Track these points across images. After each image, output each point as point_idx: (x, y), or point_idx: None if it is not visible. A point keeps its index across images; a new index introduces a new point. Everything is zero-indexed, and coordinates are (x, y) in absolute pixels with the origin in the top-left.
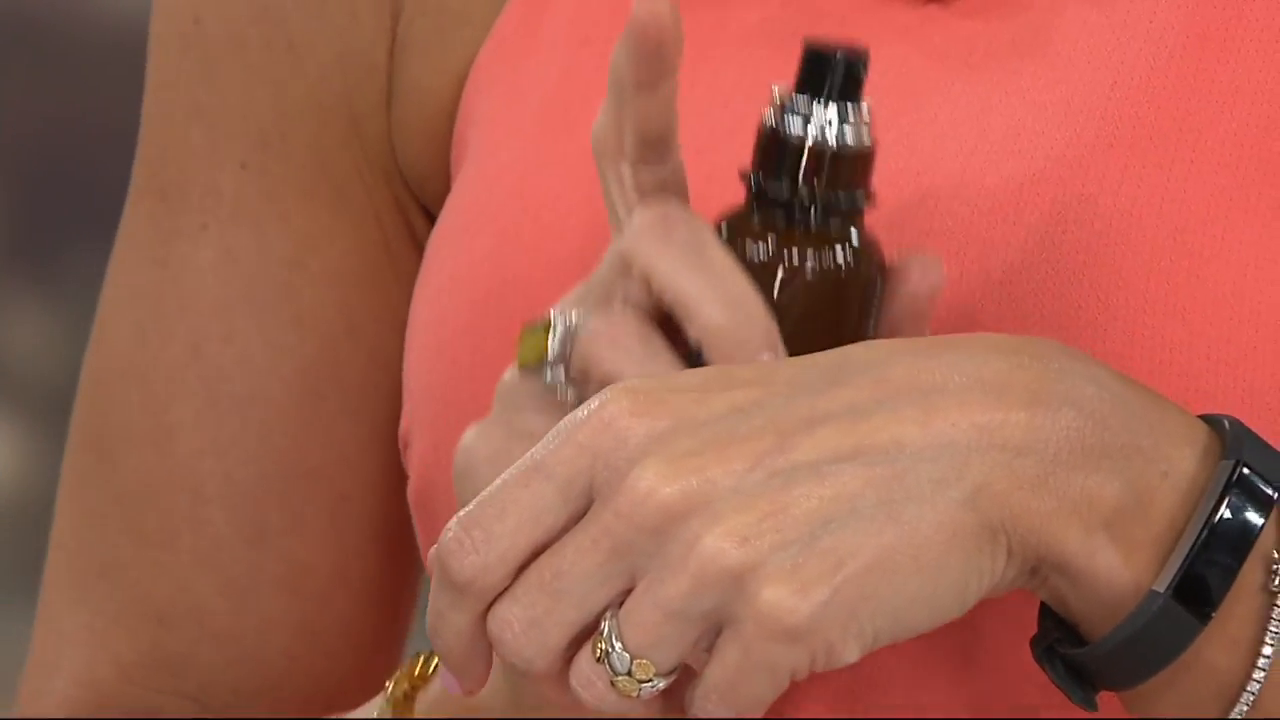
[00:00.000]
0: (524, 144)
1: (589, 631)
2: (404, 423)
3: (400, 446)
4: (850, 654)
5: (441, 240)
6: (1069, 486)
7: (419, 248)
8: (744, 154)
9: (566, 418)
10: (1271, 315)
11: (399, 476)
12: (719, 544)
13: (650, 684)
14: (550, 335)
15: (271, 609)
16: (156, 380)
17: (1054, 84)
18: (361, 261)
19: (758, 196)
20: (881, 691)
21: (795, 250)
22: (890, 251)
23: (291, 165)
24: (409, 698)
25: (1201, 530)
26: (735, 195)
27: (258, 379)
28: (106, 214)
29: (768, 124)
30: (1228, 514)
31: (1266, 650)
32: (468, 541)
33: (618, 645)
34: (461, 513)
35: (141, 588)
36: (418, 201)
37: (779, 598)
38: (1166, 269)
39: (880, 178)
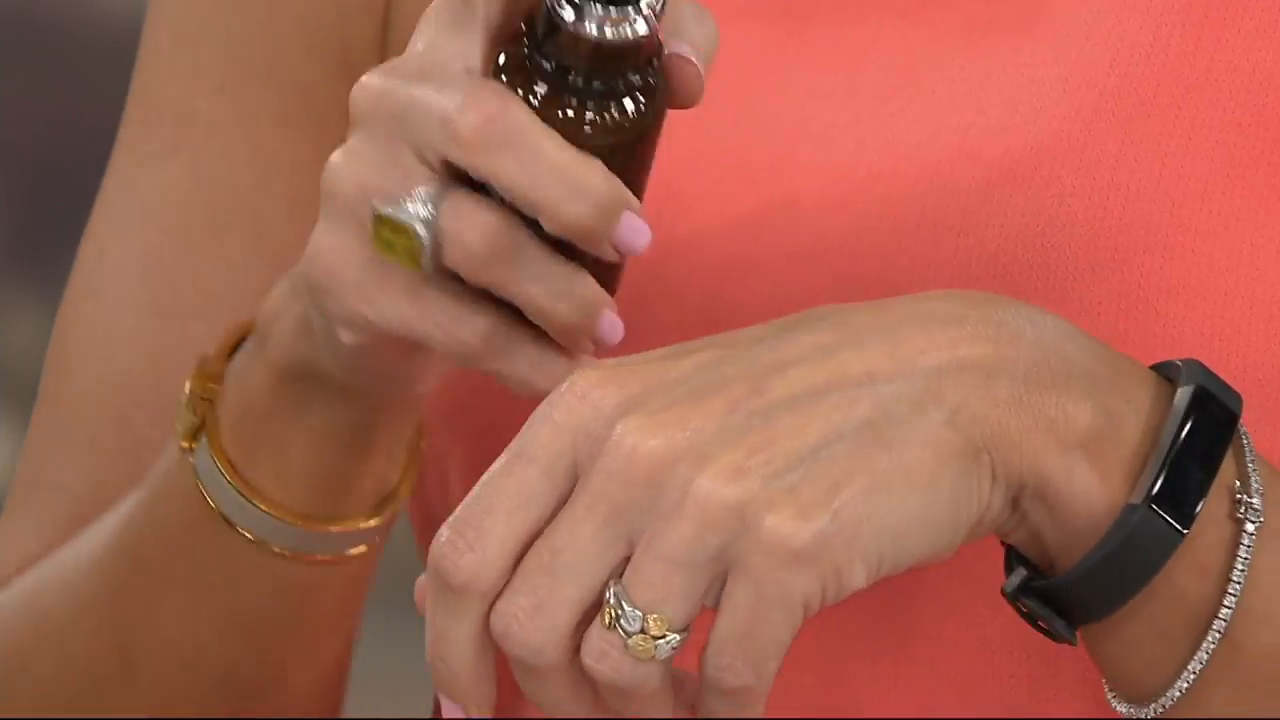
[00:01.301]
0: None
1: (595, 611)
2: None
3: None
4: (858, 578)
5: None
6: (1043, 406)
7: None
8: (729, 126)
9: (539, 406)
10: (1266, 291)
11: None
12: (713, 483)
13: (665, 641)
14: (418, 241)
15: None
16: (108, 294)
17: (1053, 60)
18: None
19: (530, 56)
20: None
21: (566, 113)
22: (894, 222)
23: (271, 92)
24: (207, 399)
25: (1173, 442)
26: (720, 170)
27: (207, 295)
28: None
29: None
30: (1196, 427)
31: (1236, 576)
32: (460, 542)
33: (627, 607)
34: (451, 517)
35: (63, 488)
36: None
37: (781, 522)
38: (1163, 244)
39: (877, 152)
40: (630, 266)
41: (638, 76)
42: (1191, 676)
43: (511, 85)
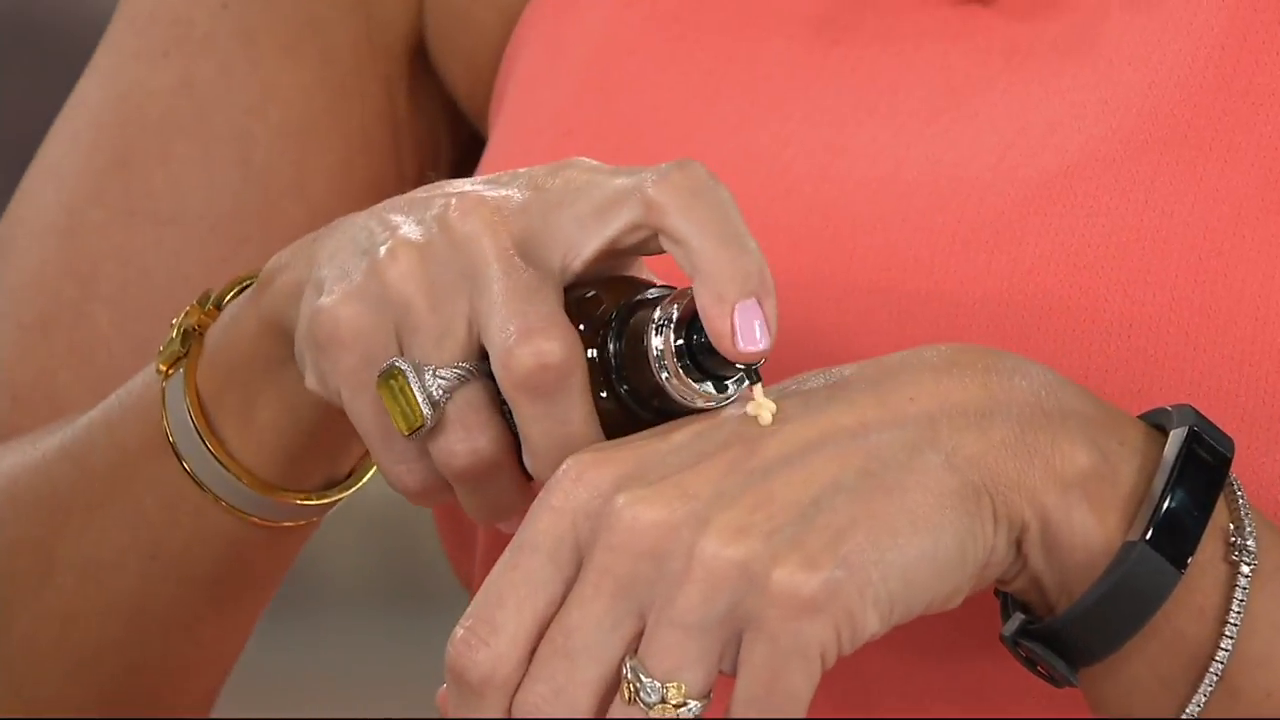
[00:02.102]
0: (562, 102)
1: (615, 689)
2: None
3: None
4: (872, 623)
5: None
6: (1039, 446)
7: (396, 127)
8: (776, 133)
9: (538, 495)
10: None
11: None
12: (716, 544)
13: (686, 708)
14: (417, 418)
15: (79, 391)
16: (74, 181)
17: (1094, 83)
18: (330, 126)
19: (604, 350)
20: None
21: (612, 407)
22: (930, 237)
23: (277, 16)
24: (199, 332)
25: (1168, 481)
26: (760, 181)
27: (184, 204)
28: None
29: (646, 339)
30: (1194, 465)
31: (1233, 618)
32: (474, 639)
33: (645, 679)
34: (464, 616)
35: (5, 367)
36: (410, 86)
37: (789, 574)
38: (1196, 267)
39: (916, 169)
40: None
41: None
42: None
43: (584, 341)
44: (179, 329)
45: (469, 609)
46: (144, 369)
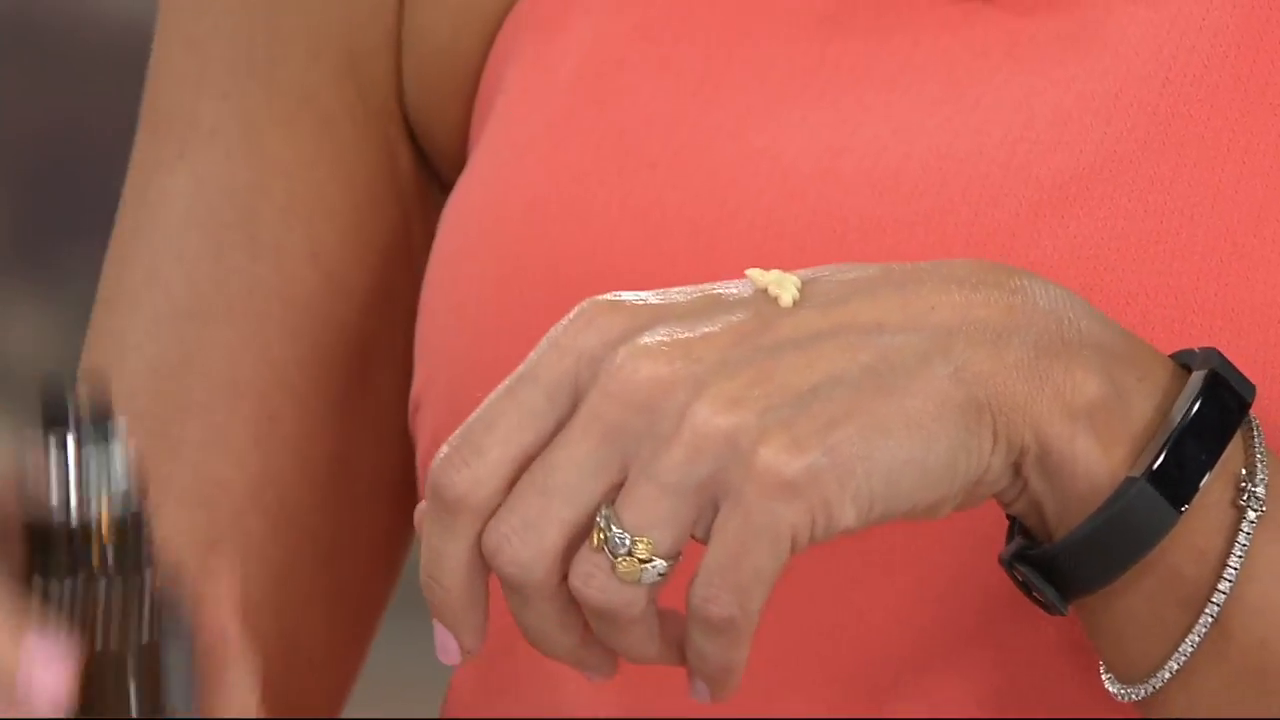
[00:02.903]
0: (553, 113)
1: (584, 534)
2: (416, 386)
3: (410, 410)
4: (848, 515)
5: (462, 206)
6: (1051, 373)
7: (400, 186)
8: (775, 136)
9: (549, 330)
10: None
11: (337, 402)
12: (709, 410)
13: (652, 565)
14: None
15: (178, 518)
16: (120, 307)
17: (1102, 74)
18: (337, 193)
19: None
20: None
21: None
22: (940, 238)
23: (274, 93)
24: None
25: (1181, 420)
26: (762, 181)
27: (200, 296)
28: (106, 214)
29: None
30: (1207, 409)
31: (1233, 563)
32: (457, 458)
33: (615, 529)
34: (453, 434)
35: None
36: (410, 143)
37: (774, 453)
38: (1216, 270)
39: (922, 165)
40: (679, 278)
41: None
42: (1181, 659)
43: None
44: None
45: (459, 429)
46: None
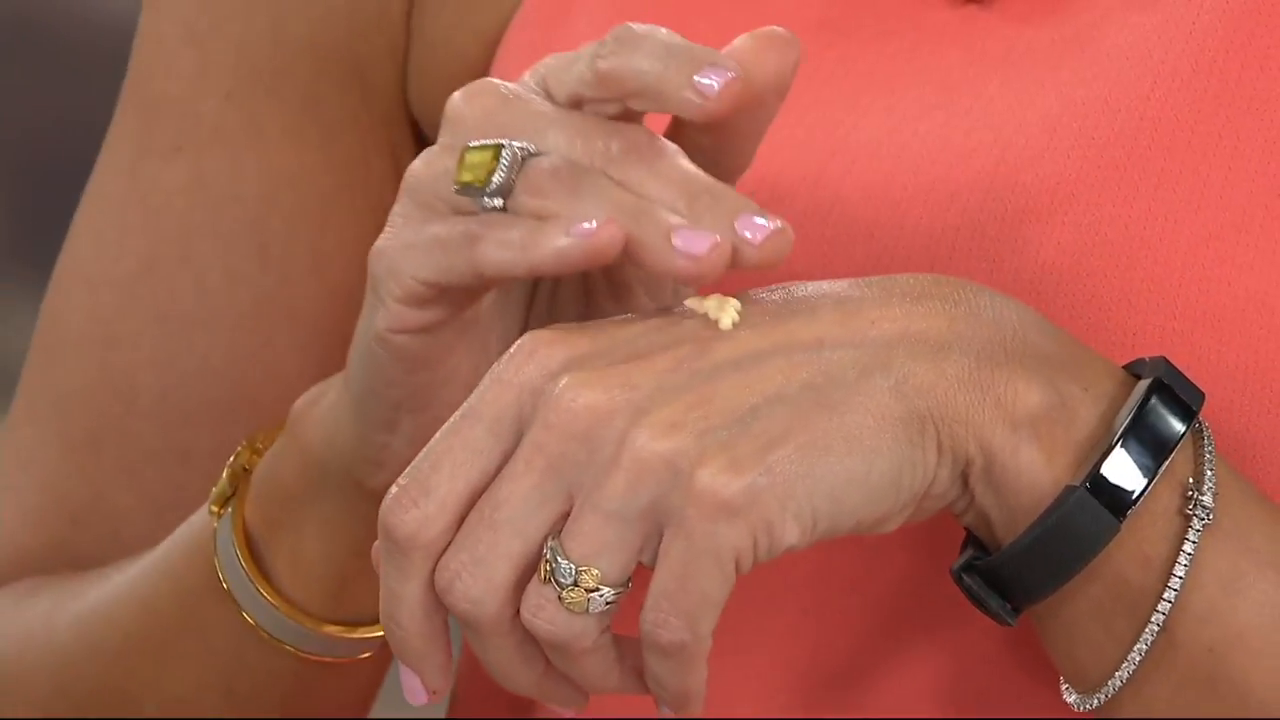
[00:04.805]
0: None
1: (534, 567)
2: None
3: None
4: (790, 534)
5: None
6: (993, 383)
7: None
8: (770, 138)
9: (492, 366)
10: None
11: None
12: (647, 436)
13: (599, 594)
14: (497, 161)
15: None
16: (105, 291)
17: (1092, 80)
18: (342, 203)
19: None
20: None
21: None
22: (928, 243)
23: (279, 101)
24: (247, 471)
25: (1123, 429)
26: (753, 183)
27: (210, 303)
28: None
29: None
30: (1149, 417)
31: (1179, 571)
32: (405, 498)
33: (561, 560)
34: (401, 475)
35: (60, 488)
36: (415, 149)
37: (713, 475)
38: (1200, 275)
39: (913, 169)
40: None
41: None
42: (1131, 667)
43: None
44: (228, 469)
45: (408, 468)
46: (200, 508)
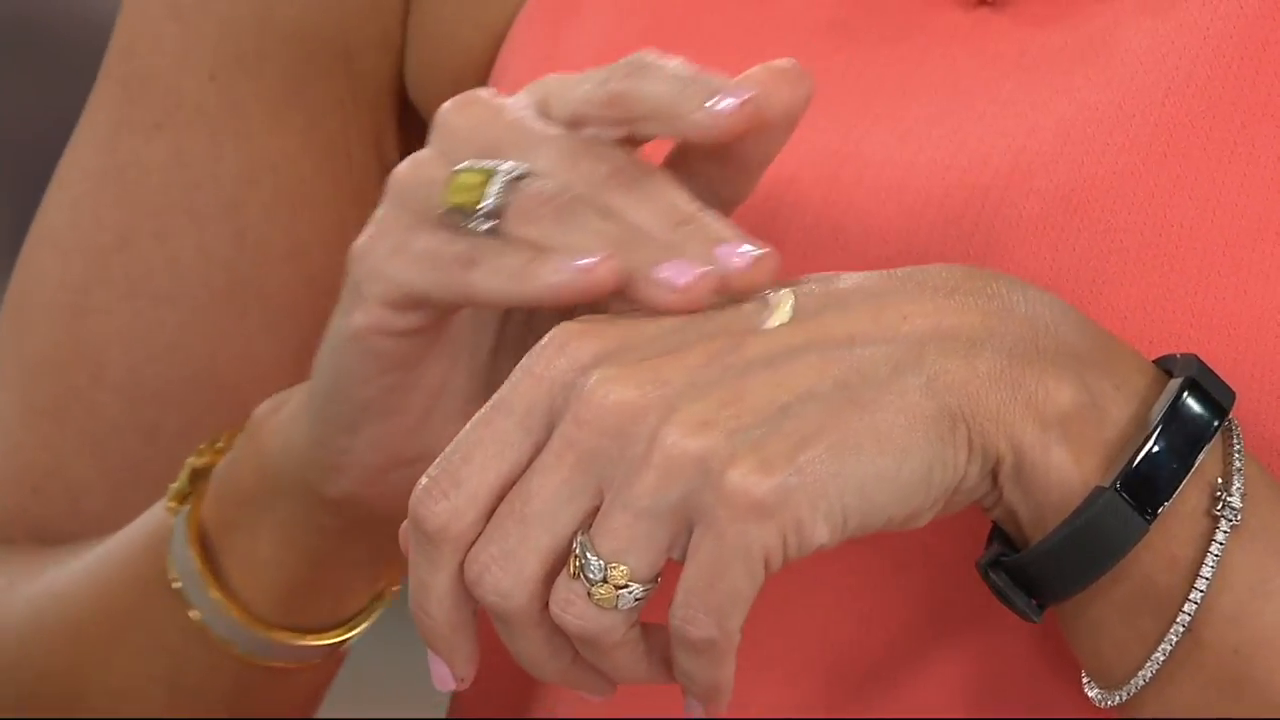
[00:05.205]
0: None
1: (563, 561)
2: None
3: None
4: (820, 534)
5: None
6: (1024, 381)
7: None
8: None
9: (523, 358)
10: None
11: None
12: (678, 433)
13: (628, 590)
14: (488, 186)
15: (148, 504)
16: (78, 260)
17: (1106, 85)
18: (321, 189)
19: None
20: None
21: None
22: (941, 249)
23: (263, 84)
24: (206, 470)
25: (1154, 429)
26: (767, 185)
27: (183, 282)
28: None
29: None
30: (1181, 418)
31: (1205, 572)
32: (436, 490)
33: (590, 557)
34: (431, 466)
35: (22, 455)
36: (400, 136)
37: (743, 474)
38: (1215, 283)
39: (926, 174)
40: None
41: None
42: (1155, 666)
43: None
44: (187, 467)
45: (438, 460)
46: (161, 488)
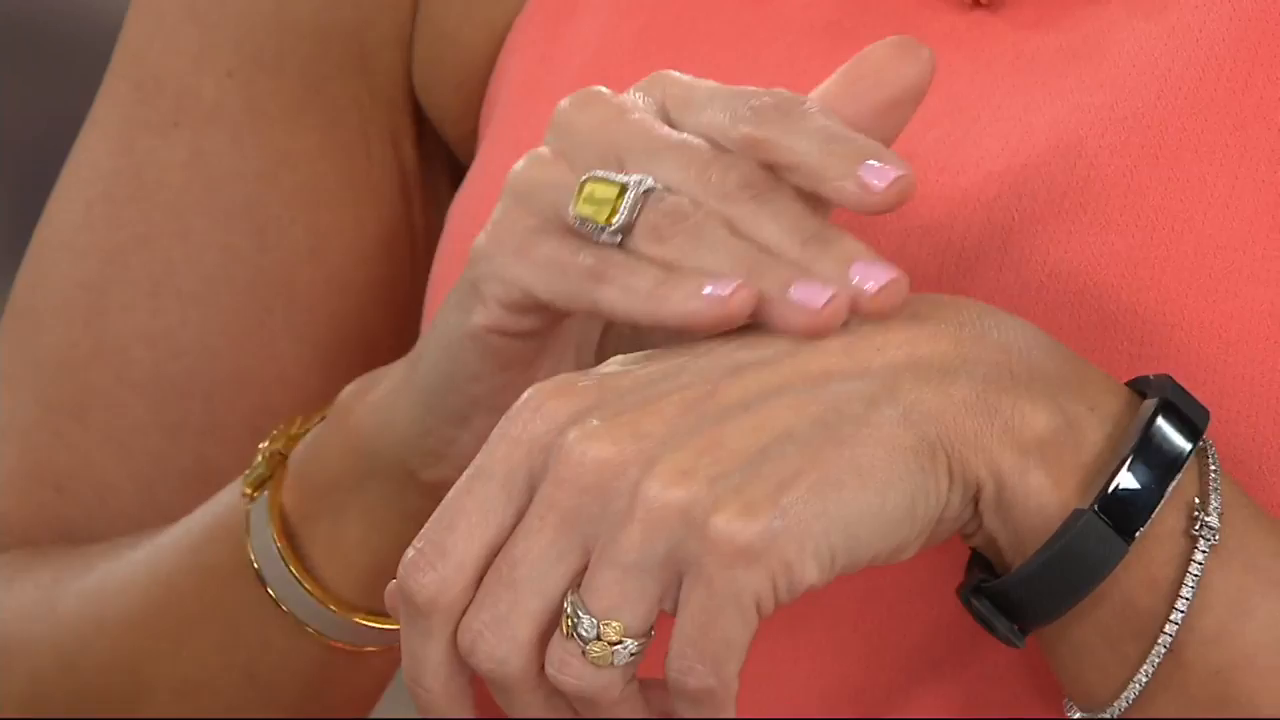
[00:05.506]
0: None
1: (555, 622)
2: None
3: None
4: (810, 574)
5: (467, 202)
6: (1000, 408)
7: (405, 180)
8: None
9: (499, 423)
10: None
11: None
12: (660, 485)
13: (623, 646)
14: (621, 200)
15: (176, 501)
16: (94, 260)
17: (1099, 87)
18: (340, 185)
19: None
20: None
21: None
22: (933, 252)
23: (281, 82)
24: (283, 455)
25: (1130, 451)
26: None
27: (206, 280)
28: None
29: None
30: (1157, 438)
31: (1185, 593)
32: (423, 561)
33: (583, 615)
34: (417, 537)
35: (42, 455)
36: (416, 134)
37: (727, 521)
38: (1206, 285)
39: (921, 176)
40: None
41: None
42: (1138, 688)
43: None
44: (264, 453)
45: (422, 530)
46: (227, 487)
